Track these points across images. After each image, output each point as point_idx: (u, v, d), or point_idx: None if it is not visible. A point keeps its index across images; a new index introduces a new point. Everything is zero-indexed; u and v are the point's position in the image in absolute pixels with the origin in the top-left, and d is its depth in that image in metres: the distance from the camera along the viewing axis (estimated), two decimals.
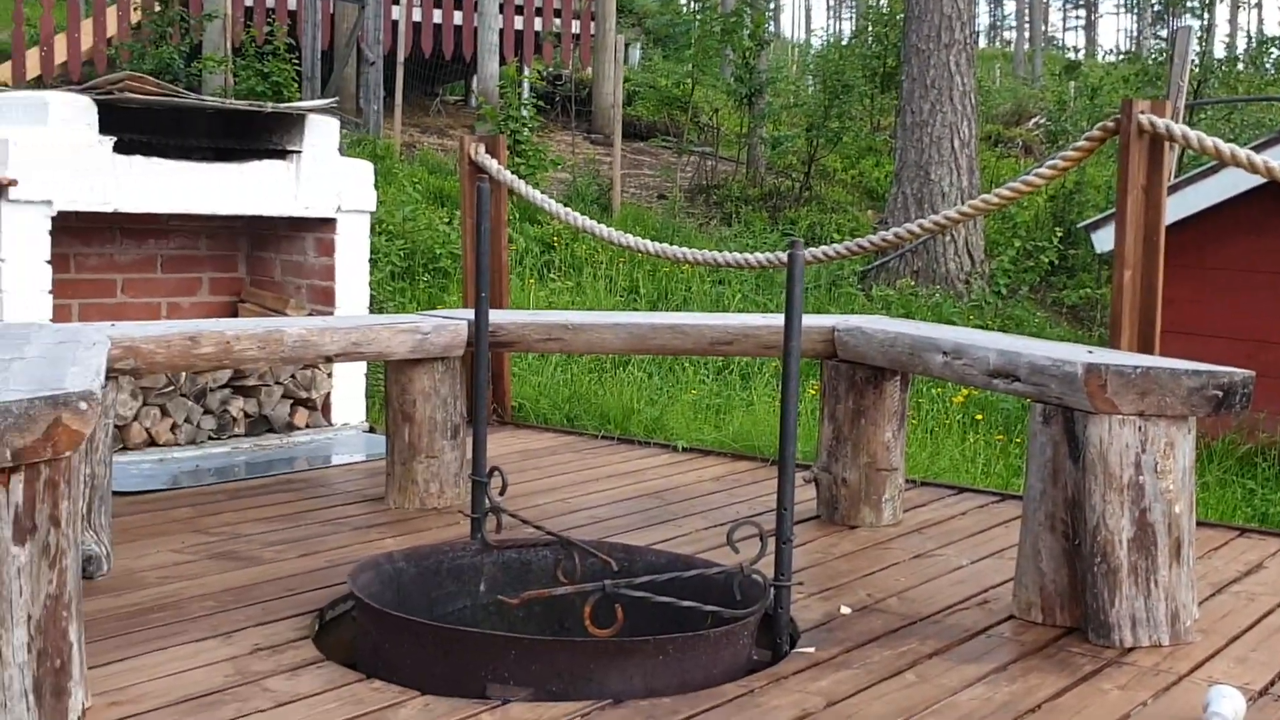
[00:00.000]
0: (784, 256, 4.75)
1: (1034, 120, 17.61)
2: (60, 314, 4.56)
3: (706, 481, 4.51)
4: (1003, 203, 4.68)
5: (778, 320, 4.02)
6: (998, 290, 9.97)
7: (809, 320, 3.93)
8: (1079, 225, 10.11)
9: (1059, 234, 10.54)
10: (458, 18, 14.34)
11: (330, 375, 5.26)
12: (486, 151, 5.69)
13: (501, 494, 3.27)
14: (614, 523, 3.86)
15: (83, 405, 2.17)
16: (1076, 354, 3.04)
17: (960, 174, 10.21)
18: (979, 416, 6.10)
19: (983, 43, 47.42)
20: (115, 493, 3.45)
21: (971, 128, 10.36)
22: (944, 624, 2.99)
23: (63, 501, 2.20)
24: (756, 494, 4.30)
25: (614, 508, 4.07)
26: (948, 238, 10.04)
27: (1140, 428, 2.86)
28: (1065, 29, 62.23)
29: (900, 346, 3.64)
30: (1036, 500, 3.04)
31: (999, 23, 62.20)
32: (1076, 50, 46.83)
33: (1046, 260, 10.36)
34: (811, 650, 2.77)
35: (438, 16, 14.20)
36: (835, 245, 4.78)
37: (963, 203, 10.09)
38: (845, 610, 3.07)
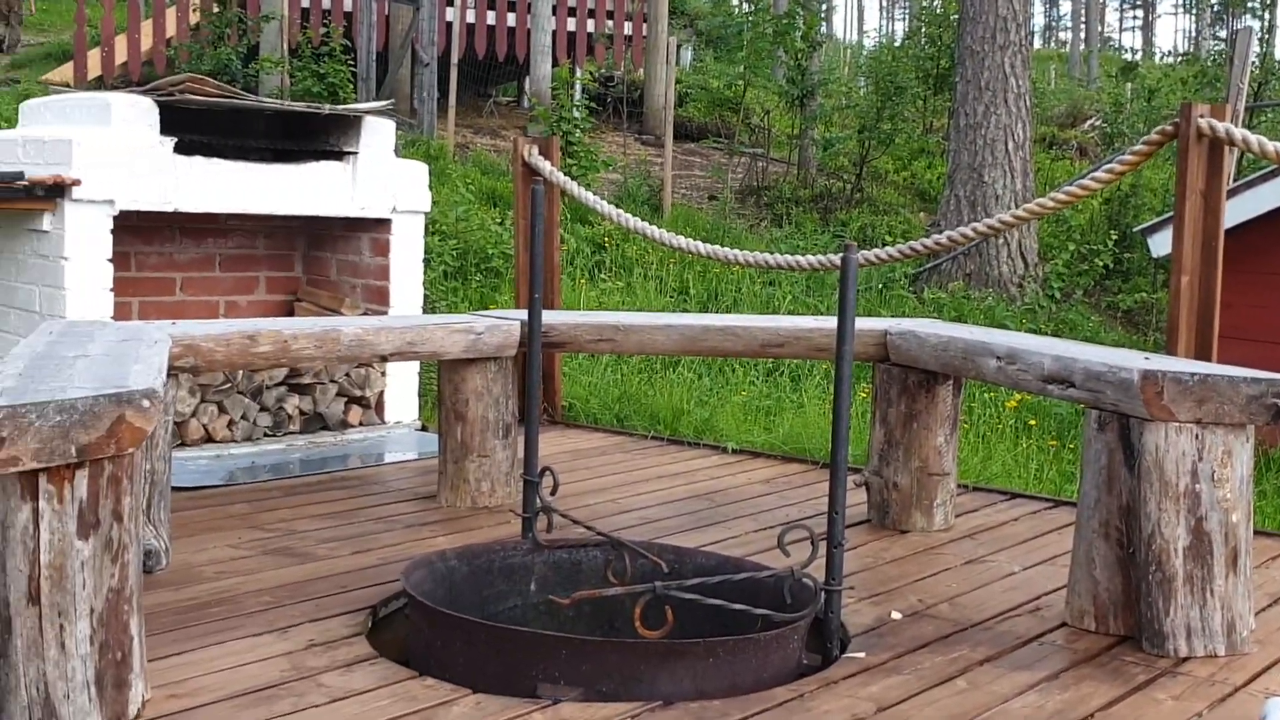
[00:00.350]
0: (836, 259, 4.74)
1: (1089, 122, 17.42)
2: (121, 311, 4.64)
3: (756, 484, 4.51)
4: (1058, 206, 4.65)
5: (830, 323, 4.01)
6: (1051, 294, 9.87)
7: (861, 323, 3.91)
8: (1135, 229, 9.99)
9: (1114, 237, 10.42)
10: (511, 19, 14.42)
11: (384, 374, 5.31)
12: (540, 153, 5.72)
13: (553, 494, 3.29)
14: (664, 524, 3.87)
15: (145, 403, 2.21)
16: (1133, 360, 3.02)
17: (1014, 176, 10.12)
18: (1032, 422, 6.05)
19: (1037, 43, 46.93)
20: (173, 488, 3.51)
21: (1026, 130, 10.26)
22: (995, 630, 2.97)
23: (125, 497, 2.25)
24: (807, 497, 4.29)
25: (664, 509, 4.08)
26: (1001, 241, 9.95)
27: (1197, 435, 2.83)
28: (1122, 30, 61.49)
29: (953, 351, 3.63)
30: (1091, 507, 3.01)
31: (1054, 23, 61.56)
32: (1133, 51, 46.22)
33: (1101, 264, 10.24)
34: (862, 655, 2.76)
35: (491, 18, 14.28)
36: (888, 248, 4.76)
37: (1016, 206, 10.00)
38: (896, 615, 3.06)
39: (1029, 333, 8.02)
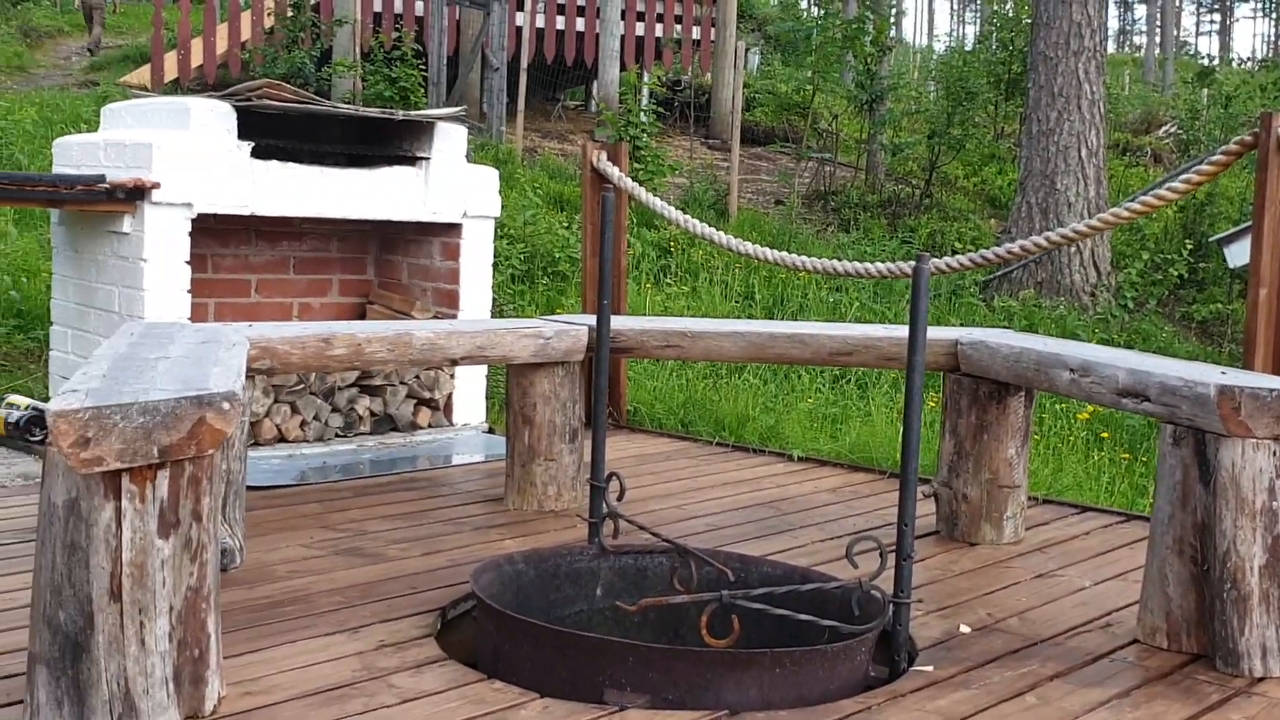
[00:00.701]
0: (906, 267, 4.71)
1: (1164, 128, 17.13)
2: (197, 312, 4.73)
3: (823, 492, 4.49)
4: (1133, 216, 4.58)
5: (899, 332, 3.99)
6: (1124, 303, 9.72)
7: (932, 332, 3.88)
8: (1211, 238, 9.81)
9: (1189, 246, 10.24)
10: (580, 24, 14.50)
11: (453, 376, 5.36)
12: (608, 159, 5.74)
13: (619, 499, 3.30)
14: (729, 531, 3.87)
15: (225, 405, 2.25)
16: (1209, 374, 2.97)
17: (1087, 184, 9.98)
18: (1104, 434, 5.97)
19: (1111, 48, 46.23)
20: (247, 487, 3.57)
21: (1100, 137, 10.12)
22: (1066, 646, 2.93)
23: (204, 497, 2.29)
24: (874, 507, 4.27)
25: (729, 516, 4.08)
26: (1073, 249, 9.81)
27: (1275, 452, 2.78)
28: (1199, 34, 60.41)
29: (1026, 362, 3.59)
30: (1164, 523, 2.97)
31: (1129, 27, 60.64)
32: (1210, 57, 45.38)
33: (1175, 274, 10.07)
34: (930, 669, 2.74)
35: (560, 23, 14.37)
36: (959, 257, 4.72)
37: (1089, 213, 9.87)
38: (965, 629, 3.03)
39: (1101, 343, 7.91)
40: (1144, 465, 5.75)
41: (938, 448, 4.00)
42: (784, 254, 5.24)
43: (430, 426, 5.30)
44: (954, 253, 10.57)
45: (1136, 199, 4.45)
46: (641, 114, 11.79)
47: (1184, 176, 4.36)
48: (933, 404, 5.61)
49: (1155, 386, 3.02)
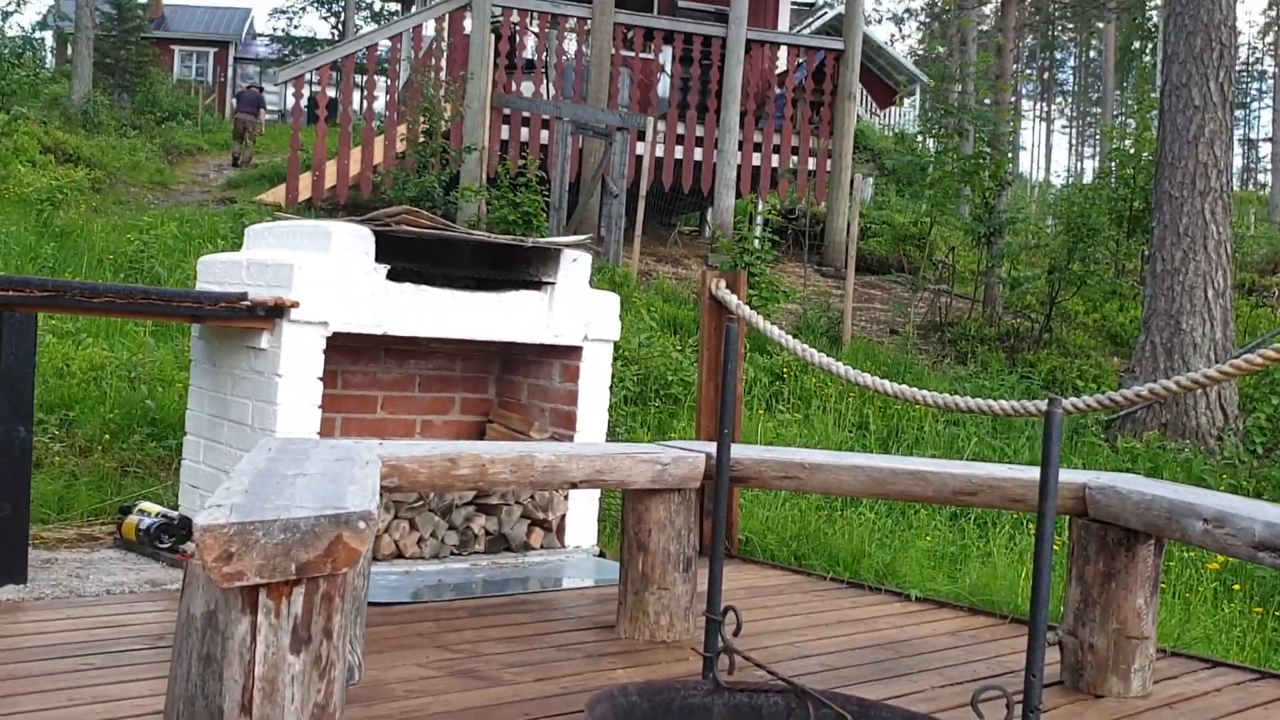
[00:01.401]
0: (1031, 405, 4.64)
1: None
2: (325, 427, 4.85)
3: (942, 635, 4.38)
4: (1265, 364, 4.46)
5: (1025, 473, 3.92)
6: (1253, 449, 9.41)
7: (1059, 476, 3.80)
8: None
9: None
10: (698, 154, 14.80)
11: (566, 498, 5.39)
12: (727, 286, 5.80)
13: (735, 634, 3.26)
14: (846, 672, 3.79)
15: (362, 525, 2.30)
16: None
17: (1214, 324, 9.77)
18: (1236, 586, 5.73)
19: (1235, 185, 45.61)
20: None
21: (1226, 278, 9.93)
22: None
23: (336, 615, 2.33)
24: (995, 653, 4.14)
25: (845, 656, 4.00)
26: (1199, 391, 9.57)
27: None
28: None
29: (1157, 510, 3.49)
30: None
31: (1253, 165, 59.81)
32: None
33: None
34: None
35: (679, 152, 14.68)
36: (1085, 397, 4.64)
37: (1216, 355, 9.64)
38: None
39: (1229, 490, 7.65)
40: (1278, 620, 5.50)
41: (1063, 594, 3.88)
42: (903, 387, 5.19)
43: (543, 547, 5.32)
44: (1076, 390, 10.38)
45: (1270, 346, 4.34)
46: (756, 240, 11.92)
47: None
48: (1057, 547, 5.47)
49: None
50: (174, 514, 4.90)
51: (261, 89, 23.49)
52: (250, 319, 4.54)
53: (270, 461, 2.97)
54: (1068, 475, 3.93)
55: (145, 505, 5.00)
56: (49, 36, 35.34)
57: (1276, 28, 48.92)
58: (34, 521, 4.68)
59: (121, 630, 3.70)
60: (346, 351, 5.15)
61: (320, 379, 4.61)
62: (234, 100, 26.84)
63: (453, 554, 5.02)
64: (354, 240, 4.65)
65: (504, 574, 4.96)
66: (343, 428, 5.23)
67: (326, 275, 4.57)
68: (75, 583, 4.32)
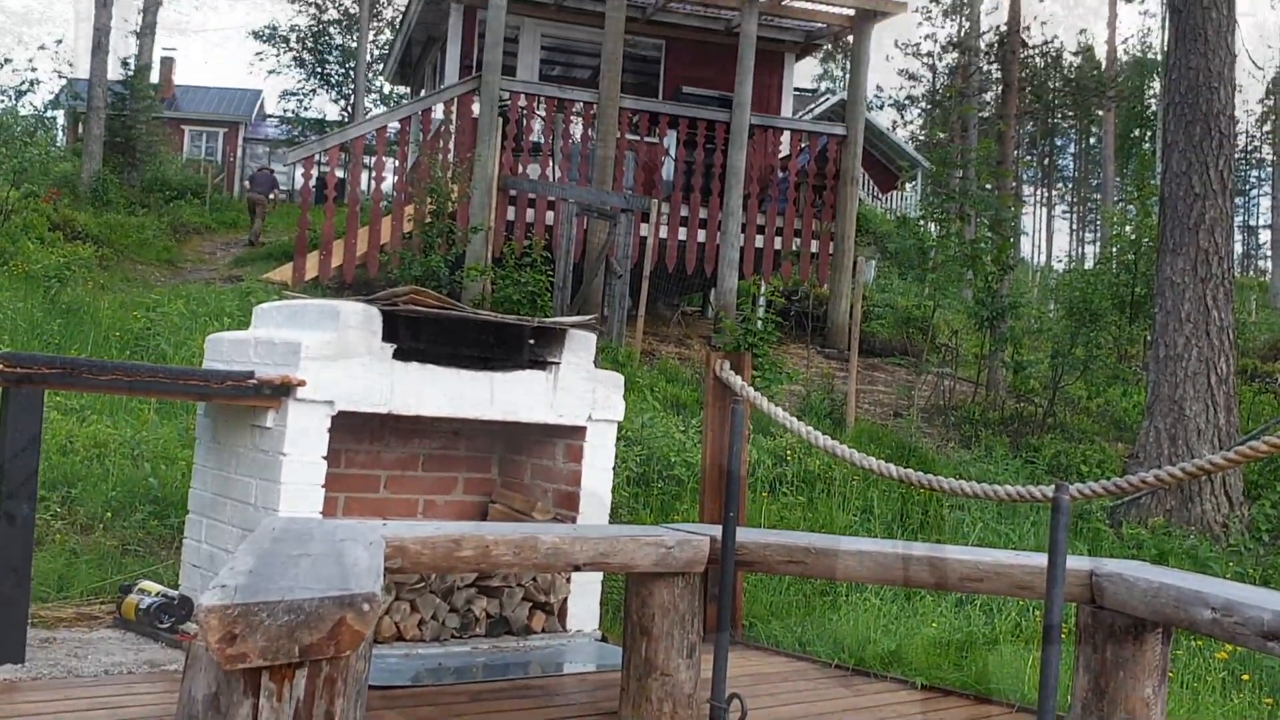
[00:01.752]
0: (1037, 491, 4.63)
1: None
2: (328, 507, 4.83)
3: None
4: (1271, 451, 4.46)
5: (1031, 560, 3.90)
6: (1259, 536, 9.35)
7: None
8: None
9: None
10: (701, 235, 14.92)
11: (569, 580, 5.35)
12: (731, 368, 5.82)
13: None
14: None
15: (365, 607, 2.29)
16: None
17: (1217, 411, 9.75)
18: (1245, 676, 5.66)
19: (1236, 271, 45.87)
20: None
21: (1229, 364, 9.94)
22: None
23: (338, 699, 2.31)
24: None
25: None
26: (1204, 477, 9.53)
27: None
28: None
29: (1164, 598, 3.47)
30: None
31: (1253, 252, 60.24)
32: None
33: None
34: None
35: (683, 234, 14.81)
36: (1090, 483, 4.63)
37: (1220, 441, 9.61)
38: None
39: (1235, 577, 7.59)
40: None
41: (1070, 683, 3.84)
42: (908, 471, 5.18)
43: (544, 631, 5.27)
44: (1080, 476, 10.34)
45: (1274, 432, 4.34)
46: (759, 322, 11.96)
47: None
48: (1064, 635, 5.41)
49: None
50: (174, 594, 4.87)
51: (273, 170, 23.93)
52: (256, 398, 4.55)
53: (274, 541, 2.96)
54: (1074, 562, 3.91)
55: (146, 584, 4.97)
56: (61, 115, 35.85)
57: (1274, 117, 49.53)
58: (33, 600, 4.65)
59: (120, 713, 3.66)
60: (351, 430, 5.15)
61: (325, 458, 4.60)
62: (247, 181, 27.30)
63: (454, 637, 4.98)
64: (361, 319, 4.68)
65: (505, 658, 4.91)
66: (346, 507, 5.21)
67: (333, 354, 4.58)
68: (74, 663, 4.27)
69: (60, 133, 34.67)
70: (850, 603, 6.40)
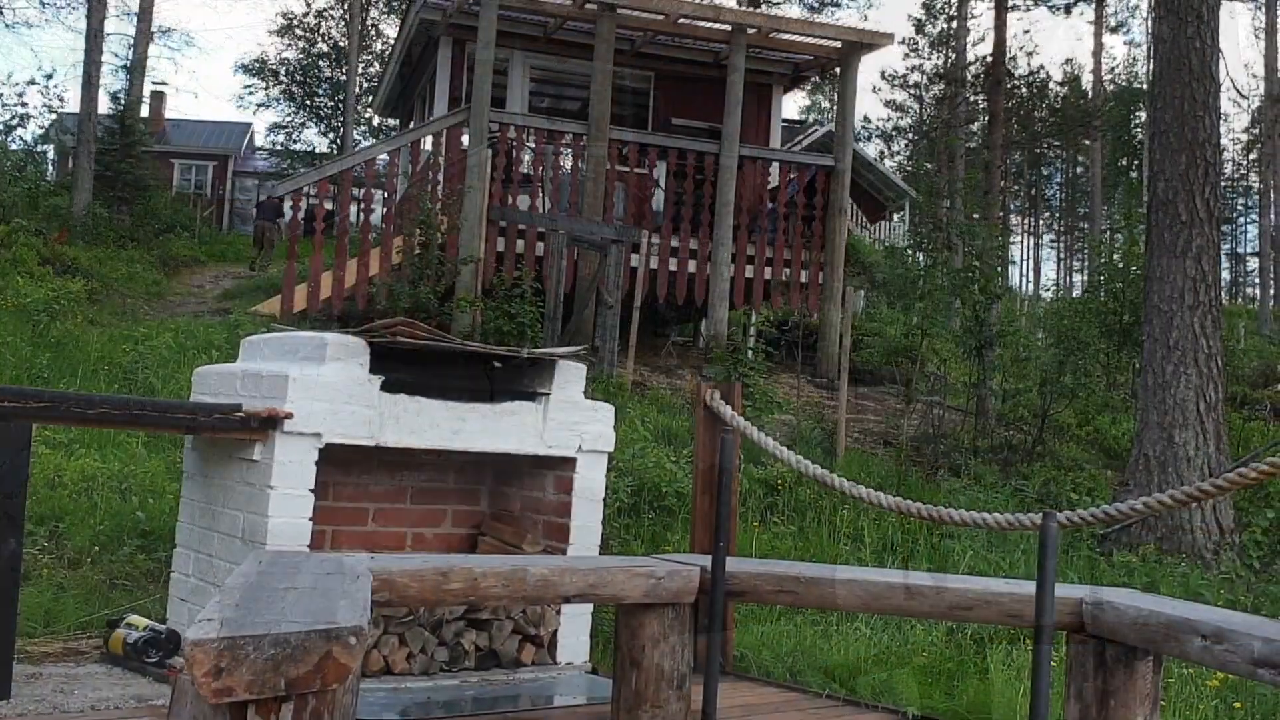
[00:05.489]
0: (1027, 519, 4.63)
1: None
2: (316, 540, 4.81)
3: None
4: (1261, 479, 4.46)
5: (1021, 588, 3.89)
6: (1249, 563, 9.35)
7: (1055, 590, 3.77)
8: None
9: None
10: (692, 266, 14.95)
11: (559, 612, 5.33)
12: (721, 398, 5.82)
13: None
14: None
15: (352, 640, 2.28)
16: None
17: (1206, 438, 9.78)
18: (1237, 705, 5.65)
19: (1224, 299, 46.07)
20: None
21: (1218, 391, 9.97)
22: None
23: None
24: None
25: None
26: (1194, 505, 9.54)
27: None
28: None
29: (1155, 626, 3.46)
30: None
31: (1241, 279, 60.54)
32: None
33: None
34: None
35: (673, 265, 14.84)
36: (1079, 511, 4.63)
37: (1209, 468, 9.63)
38: None
39: (1227, 605, 7.57)
40: None
41: (1061, 712, 3.83)
42: (898, 499, 5.18)
43: (534, 664, 5.24)
44: (1070, 504, 10.33)
45: (1263, 459, 4.35)
46: (749, 352, 11.98)
47: None
48: (1054, 664, 5.40)
49: None
50: (162, 628, 4.84)
51: (281, 199, 23.93)
52: (244, 430, 4.53)
53: (261, 575, 2.95)
54: (1064, 590, 3.90)
55: (133, 619, 4.94)
56: (51, 150, 35.89)
57: (1259, 144, 49.94)
58: (20, 635, 4.62)
59: None
60: (339, 463, 5.14)
61: (312, 491, 4.59)
62: (254, 209, 27.45)
63: (442, 670, 4.95)
64: (349, 351, 4.67)
65: (494, 691, 4.88)
66: (333, 540, 5.19)
67: (321, 387, 4.58)
68: (60, 698, 4.24)
69: (50, 167, 34.69)
70: (841, 632, 6.38)
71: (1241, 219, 59.80)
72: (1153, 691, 3.73)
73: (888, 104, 55.90)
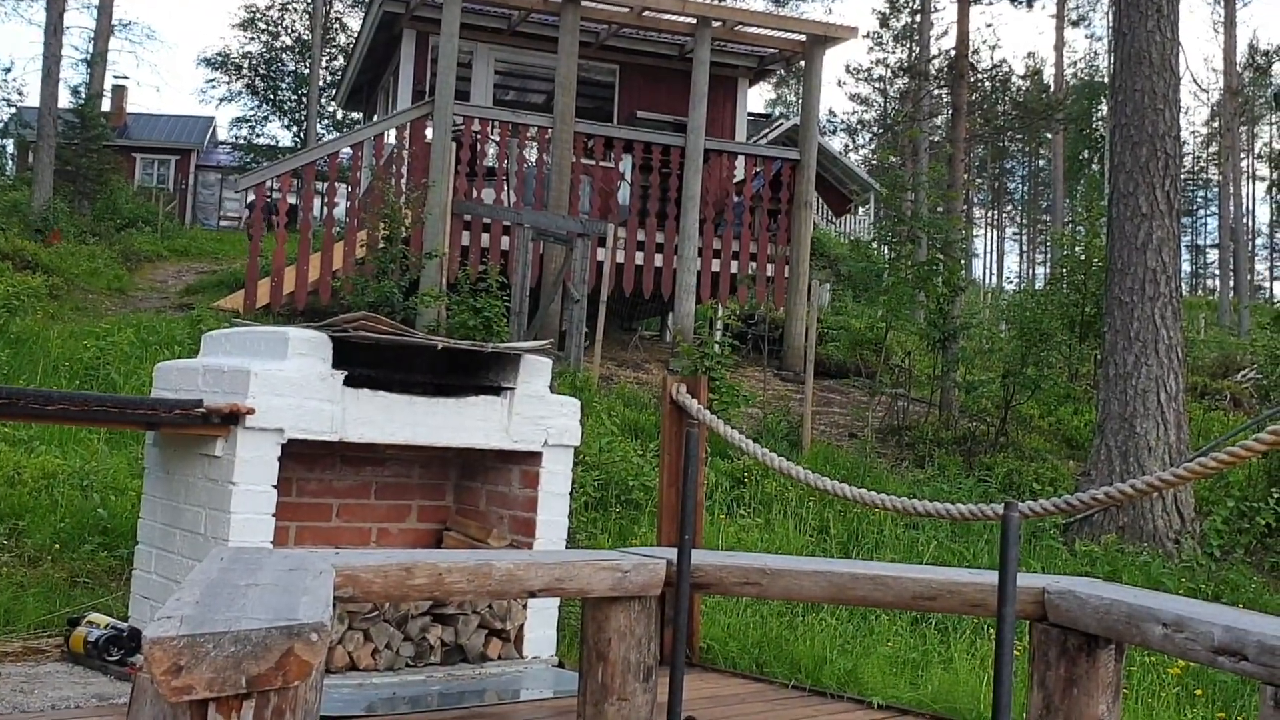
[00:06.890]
0: (989, 510, 4.66)
1: (1243, 372, 17.03)
2: (279, 536, 4.78)
3: None
4: (1220, 467, 4.51)
5: (984, 577, 3.92)
6: (1210, 551, 9.46)
7: (1018, 579, 3.80)
8: None
9: (1276, 495, 10.00)
10: (658, 260, 14.95)
11: (525, 606, 5.32)
12: (688, 391, 5.82)
13: None
14: None
15: (314, 636, 2.26)
16: None
17: (1167, 428, 9.88)
18: (1199, 692, 5.72)
19: (1185, 290, 46.56)
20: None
21: (1179, 382, 10.08)
22: None
23: None
24: None
25: None
26: (1155, 494, 9.63)
27: None
28: (1273, 278, 60.69)
29: (1116, 614, 3.49)
30: None
31: (1201, 270, 61.20)
32: None
33: (1263, 522, 9.81)
34: None
35: (639, 258, 14.83)
36: (1042, 501, 4.67)
37: (1170, 458, 9.73)
38: None
39: (1188, 593, 7.67)
40: None
41: (1024, 700, 3.86)
42: (862, 491, 5.21)
43: (500, 658, 5.23)
44: (1033, 494, 10.42)
45: (1224, 450, 4.39)
46: (716, 345, 11.99)
47: (1272, 429, 4.31)
48: (1018, 653, 5.44)
49: (1254, 645, 2.92)
50: (123, 626, 4.79)
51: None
52: (205, 426, 4.50)
53: (222, 571, 2.92)
54: (1026, 579, 3.93)
55: (94, 617, 4.89)
56: (10, 144, 35.47)
57: (1219, 138, 50.46)
58: None
59: None
60: (301, 458, 5.11)
61: (275, 487, 4.56)
62: (246, 209, 27.35)
63: (408, 665, 4.93)
64: (311, 346, 4.64)
65: (460, 686, 4.87)
66: (297, 536, 5.16)
67: (282, 382, 4.55)
68: (20, 698, 4.19)
69: (10, 161, 34.29)
70: (807, 623, 6.40)
71: (1201, 211, 60.46)
72: (1115, 680, 3.76)
73: (852, 97, 56.10)
